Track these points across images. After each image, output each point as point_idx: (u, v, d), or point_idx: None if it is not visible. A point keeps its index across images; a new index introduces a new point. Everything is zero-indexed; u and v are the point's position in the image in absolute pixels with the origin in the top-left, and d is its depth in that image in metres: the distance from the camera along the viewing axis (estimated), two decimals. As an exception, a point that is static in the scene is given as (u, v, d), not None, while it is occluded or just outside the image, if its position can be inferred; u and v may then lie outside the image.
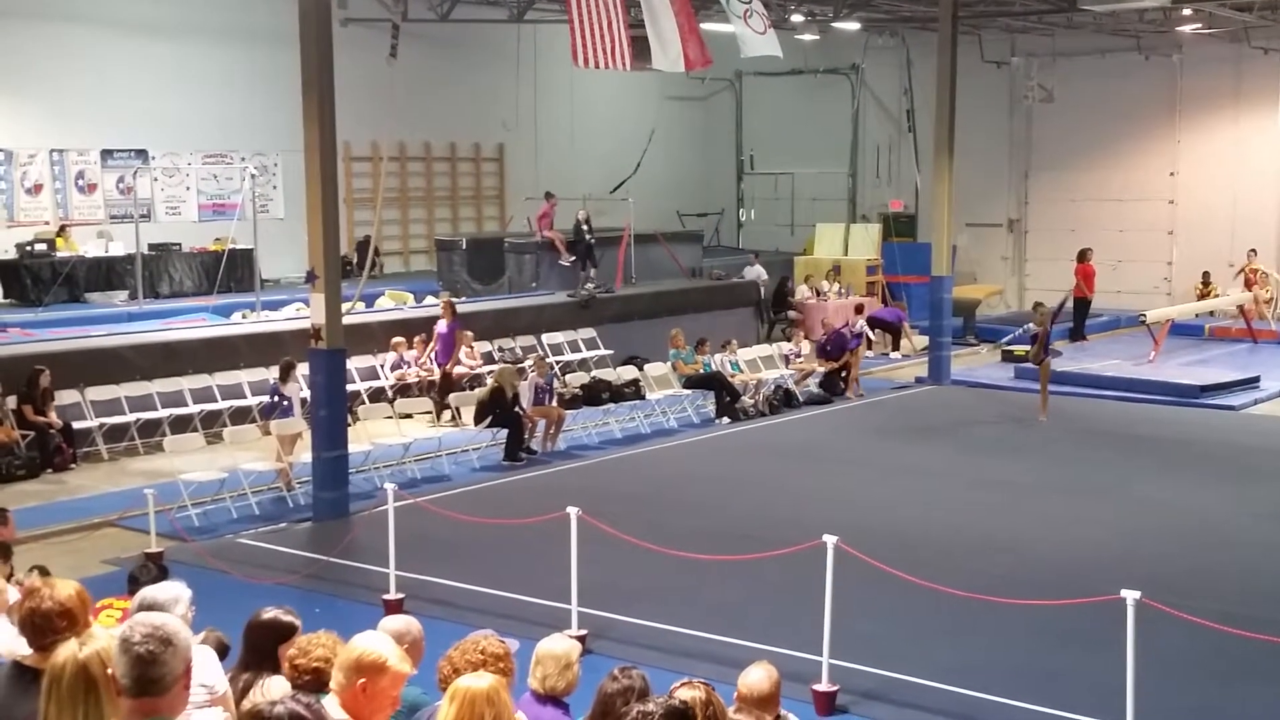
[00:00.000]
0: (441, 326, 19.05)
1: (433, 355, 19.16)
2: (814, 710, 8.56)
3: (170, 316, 20.11)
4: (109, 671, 3.45)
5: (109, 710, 3.42)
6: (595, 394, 18.56)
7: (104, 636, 3.61)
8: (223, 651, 5.73)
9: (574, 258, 23.65)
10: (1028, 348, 19.08)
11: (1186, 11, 25.24)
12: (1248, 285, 26.94)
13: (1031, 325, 18.73)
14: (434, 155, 28.49)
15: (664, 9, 16.38)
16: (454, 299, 20.77)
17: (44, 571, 7.93)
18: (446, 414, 17.84)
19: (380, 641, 4.35)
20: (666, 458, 16.86)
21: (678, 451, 17.23)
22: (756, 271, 27.03)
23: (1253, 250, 27.39)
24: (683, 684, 4.46)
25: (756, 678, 4.75)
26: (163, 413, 16.75)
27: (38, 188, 22.39)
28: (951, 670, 9.17)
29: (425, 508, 12.46)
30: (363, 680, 4.19)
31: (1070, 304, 18.85)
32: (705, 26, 23.08)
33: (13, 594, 6.94)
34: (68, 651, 3.46)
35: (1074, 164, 30.60)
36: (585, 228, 23.65)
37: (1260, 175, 28.38)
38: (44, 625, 4.29)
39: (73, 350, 17.02)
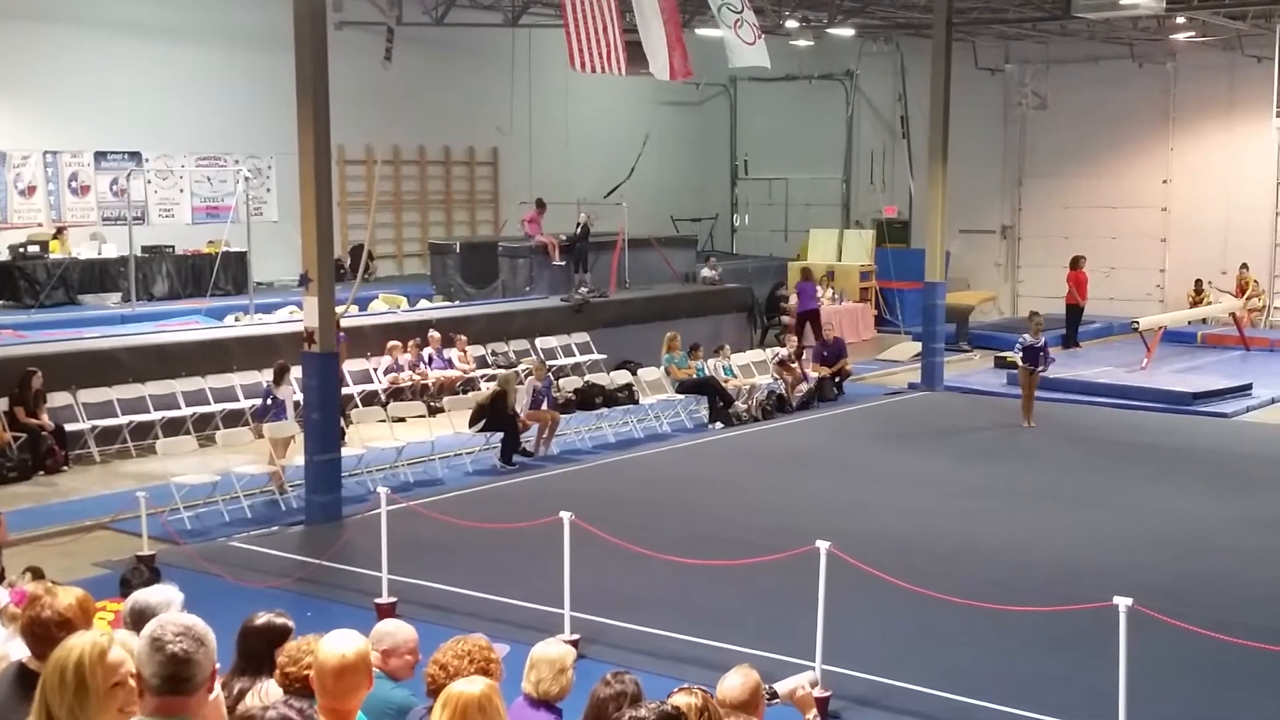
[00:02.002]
0: None
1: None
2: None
3: (163, 319, 20.07)
4: (103, 674, 3.45)
5: (39, 712, 3.40)
6: (589, 398, 18.55)
7: (82, 640, 3.59)
8: None
9: (565, 260, 23.62)
10: (1019, 355, 18.97)
11: (1180, 19, 25.31)
12: (1240, 292, 27.01)
13: (1027, 336, 18.68)
14: (428, 159, 28.46)
15: (654, 16, 16.41)
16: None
17: (37, 574, 7.88)
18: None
19: (352, 639, 4.35)
20: (660, 462, 16.84)
21: (671, 456, 17.22)
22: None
23: (1244, 265, 27.49)
24: (681, 690, 4.45)
25: (732, 684, 4.72)
26: (155, 415, 16.70)
27: (31, 189, 22.33)
28: (944, 676, 9.18)
29: (418, 511, 12.46)
30: (360, 677, 4.22)
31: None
32: (698, 32, 23.25)
33: (3, 596, 6.92)
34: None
35: (1067, 171, 30.65)
36: (584, 230, 23.63)
37: (1253, 183, 28.45)
38: (43, 634, 4.33)
39: (65, 352, 16.98)
